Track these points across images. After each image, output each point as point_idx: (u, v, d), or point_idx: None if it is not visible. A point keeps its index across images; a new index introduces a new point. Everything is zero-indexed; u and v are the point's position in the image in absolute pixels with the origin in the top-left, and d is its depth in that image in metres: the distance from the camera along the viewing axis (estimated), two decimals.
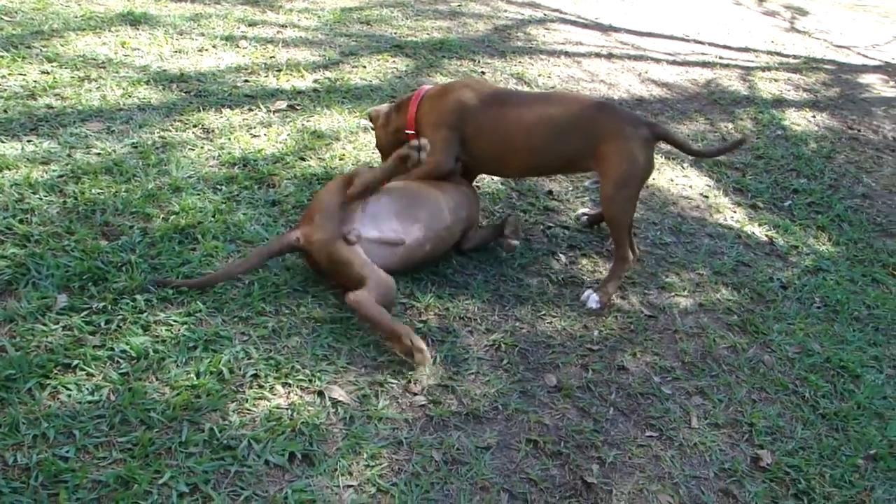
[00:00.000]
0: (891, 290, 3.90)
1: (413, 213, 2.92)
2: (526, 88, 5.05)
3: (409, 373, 2.57)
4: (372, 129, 3.96)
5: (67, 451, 2.04)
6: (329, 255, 2.71)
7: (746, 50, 7.20)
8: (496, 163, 3.28)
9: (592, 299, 3.18)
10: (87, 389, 2.22)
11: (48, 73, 3.87)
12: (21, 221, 2.79)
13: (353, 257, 2.70)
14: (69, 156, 3.24)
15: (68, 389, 2.21)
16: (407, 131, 3.28)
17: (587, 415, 2.65)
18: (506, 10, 6.64)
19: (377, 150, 3.57)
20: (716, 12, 8.42)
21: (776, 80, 6.45)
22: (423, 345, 2.54)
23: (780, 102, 5.94)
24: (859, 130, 5.80)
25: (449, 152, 3.19)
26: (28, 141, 3.27)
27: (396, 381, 2.54)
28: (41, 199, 2.94)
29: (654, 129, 3.20)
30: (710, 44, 7.12)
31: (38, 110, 3.52)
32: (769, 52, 7.29)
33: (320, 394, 2.41)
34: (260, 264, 2.76)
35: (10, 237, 2.71)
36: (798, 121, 5.66)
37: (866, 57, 8.00)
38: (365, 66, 4.80)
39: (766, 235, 4.07)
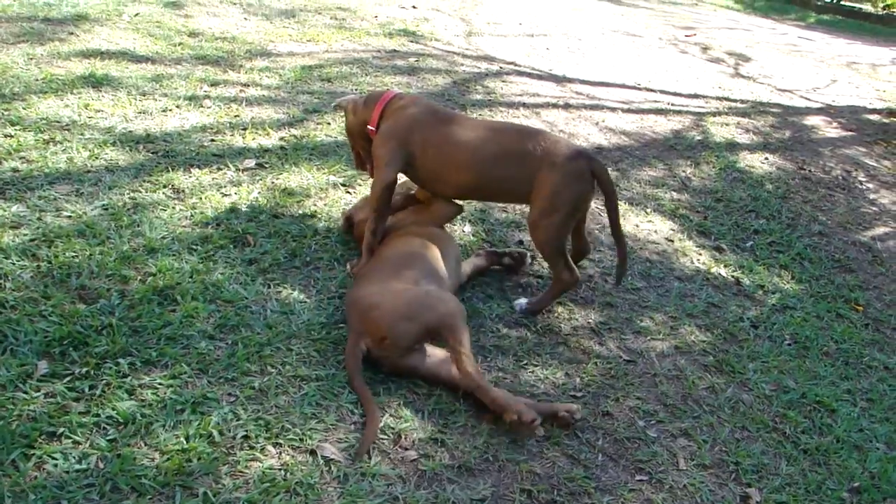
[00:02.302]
0: (855, 324, 4.00)
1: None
2: None
3: (400, 427, 2.56)
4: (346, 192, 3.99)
5: None
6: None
7: (696, 96, 7.41)
8: (437, 179, 3.35)
9: (520, 304, 3.37)
10: (75, 458, 2.17)
11: (11, 136, 3.82)
12: None
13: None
14: (39, 219, 3.20)
15: (54, 459, 2.15)
16: (369, 127, 3.47)
17: (577, 462, 2.65)
18: (462, 65, 6.75)
19: (346, 135, 3.73)
20: (663, 61, 8.67)
21: (727, 125, 6.64)
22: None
23: (733, 146, 6.12)
24: (810, 171, 5.99)
25: (392, 165, 3.29)
26: None
27: (386, 437, 2.53)
28: (13, 263, 2.88)
29: (591, 164, 3.26)
30: (661, 91, 7.32)
31: (3, 174, 3.47)
32: (718, 98, 7.52)
33: (312, 452, 2.38)
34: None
35: None
36: (752, 163, 5.83)
37: (809, 100, 8.29)
38: (329, 123, 4.83)
39: (733, 276, 4.16)
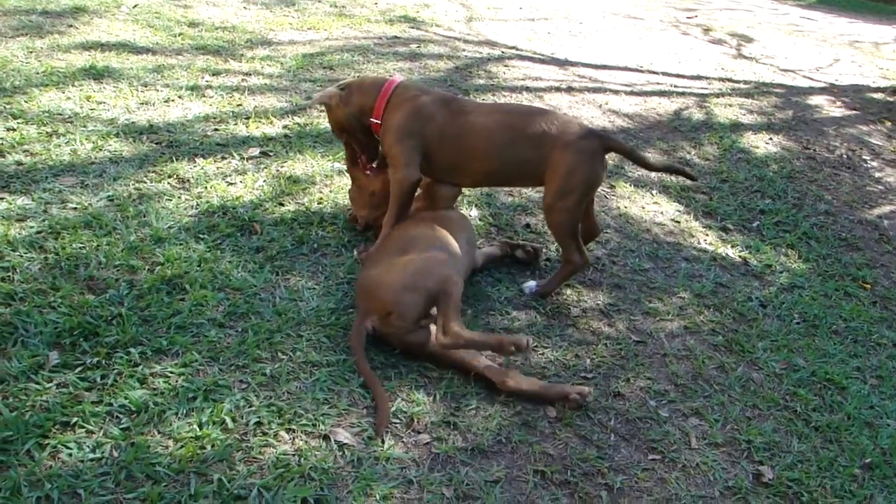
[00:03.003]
0: (863, 302, 3.99)
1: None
2: None
3: (413, 411, 2.57)
4: (343, 172, 3.98)
5: None
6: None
7: (699, 78, 7.38)
8: (455, 170, 3.31)
9: (530, 286, 3.37)
10: (89, 447, 2.17)
11: (14, 129, 3.81)
12: (3, 280, 2.73)
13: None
14: (45, 211, 3.19)
15: (69, 448, 2.16)
16: (373, 119, 3.31)
17: (590, 442, 2.65)
18: (464, 50, 6.73)
19: (335, 134, 3.56)
20: (665, 43, 8.64)
21: (731, 106, 6.61)
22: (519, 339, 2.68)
23: (737, 127, 6.09)
24: (815, 150, 5.97)
25: (413, 164, 3.23)
26: (0, 199, 3.22)
27: (399, 420, 2.53)
28: (21, 256, 2.88)
29: (604, 141, 3.27)
30: (663, 73, 7.29)
31: (7, 167, 3.47)
32: (721, 79, 7.49)
33: (325, 437, 2.38)
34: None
35: None
36: (757, 143, 5.81)
37: (811, 79, 8.25)
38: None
39: (740, 256, 4.15)
